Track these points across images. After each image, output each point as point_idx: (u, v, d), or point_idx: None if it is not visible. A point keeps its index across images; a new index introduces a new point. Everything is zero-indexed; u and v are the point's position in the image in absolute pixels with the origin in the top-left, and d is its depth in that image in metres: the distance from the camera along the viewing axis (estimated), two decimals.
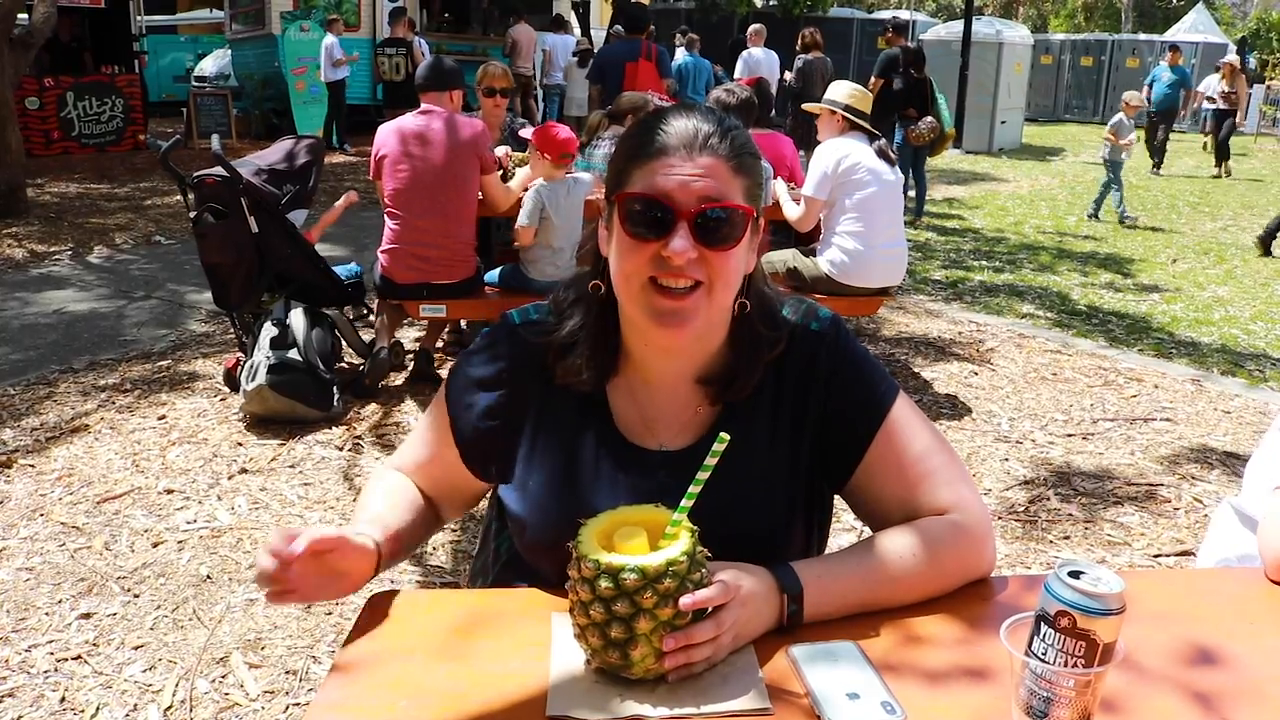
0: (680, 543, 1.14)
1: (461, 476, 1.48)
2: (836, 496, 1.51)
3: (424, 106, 4.82)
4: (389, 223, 4.81)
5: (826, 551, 1.59)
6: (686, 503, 1.16)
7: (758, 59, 12.63)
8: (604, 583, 1.10)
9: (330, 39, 13.58)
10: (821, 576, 1.27)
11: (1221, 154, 15.57)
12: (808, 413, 1.42)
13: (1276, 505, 1.48)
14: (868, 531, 1.45)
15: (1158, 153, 15.53)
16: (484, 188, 4.86)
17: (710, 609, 1.15)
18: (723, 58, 15.10)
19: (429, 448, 1.50)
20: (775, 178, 5.33)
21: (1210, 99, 16.24)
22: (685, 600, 1.11)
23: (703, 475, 1.16)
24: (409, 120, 4.80)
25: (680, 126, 1.28)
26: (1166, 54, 16.00)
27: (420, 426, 1.53)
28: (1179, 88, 15.22)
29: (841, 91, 5.13)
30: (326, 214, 5.37)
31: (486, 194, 4.89)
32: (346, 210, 5.42)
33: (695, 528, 1.16)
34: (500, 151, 5.27)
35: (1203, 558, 1.85)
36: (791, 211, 5.06)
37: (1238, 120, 15.56)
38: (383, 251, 4.84)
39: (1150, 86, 15.44)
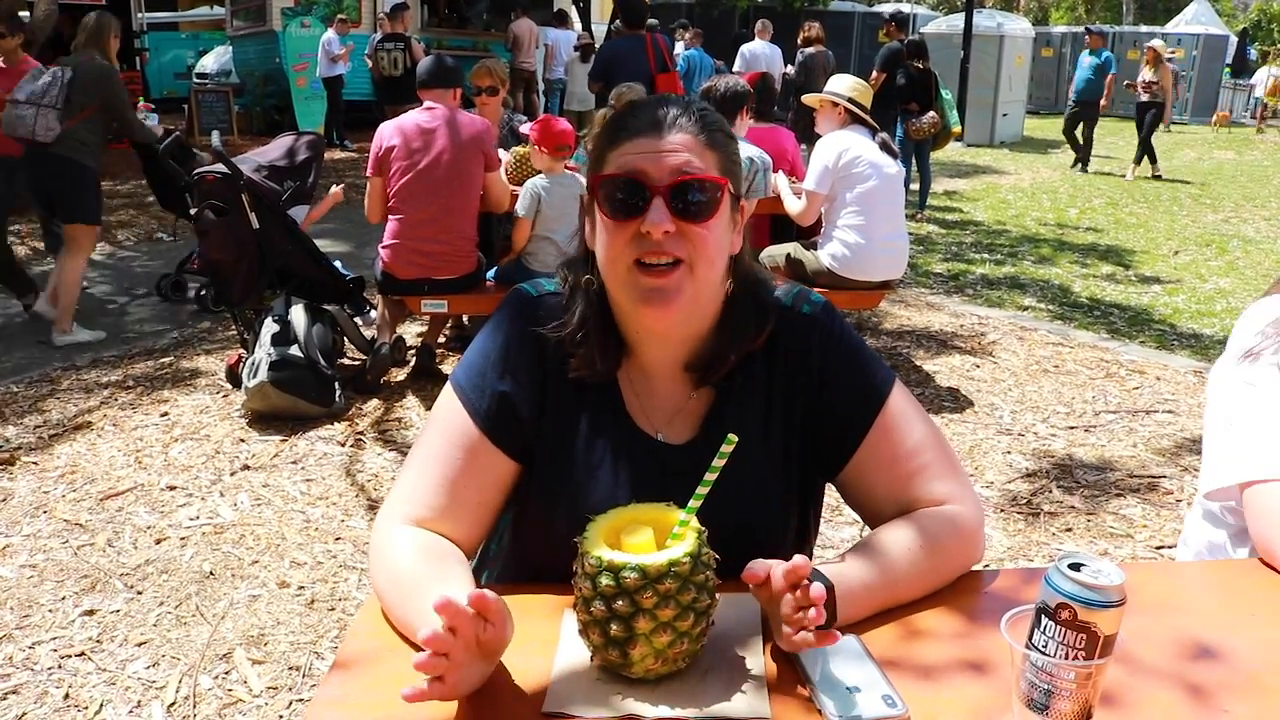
0: (685, 543, 1.13)
1: (490, 471, 1.39)
2: (831, 487, 1.51)
3: (427, 104, 4.82)
4: (391, 218, 4.81)
5: (819, 540, 1.60)
6: (694, 503, 1.15)
7: (755, 53, 12.60)
8: (605, 579, 1.10)
9: (329, 35, 13.55)
10: (844, 576, 1.26)
11: (1144, 151, 13.75)
12: (801, 401, 1.42)
13: (1267, 501, 1.48)
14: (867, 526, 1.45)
15: (1083, 148, 14.28)
16: (487, 185, 4.86)
17: (712, 621, 1.15)
18: (724, 53, 15.08)
19: (445, 456, 1.38)
20: (776, 171, 5.33)
21: (1130, 86, 14.25)
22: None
23: (710, 476, 1.15)
24: (413, 117, 4.80)
25: (651, 110, 1.33)
26: (1086, 39, 14.82)
27: (425, 448, 1.40)
28: (1102, 75, 13.83)
29: (843, 85, 5.13)
30: (313, 209, 5.34)
31: (490, 191, 4.89)
32: (337, 207, 5.43)
33: (703, 529, 1.16)
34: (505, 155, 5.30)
35: (1180, 553, 1.86)
36: (793, 205, 5.06)
37: (1166, 115, 13.88)
38: (384, 247, 4.84)
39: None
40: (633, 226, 1.28)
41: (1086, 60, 13.94)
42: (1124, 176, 13.73)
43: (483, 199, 4.89)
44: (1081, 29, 27.04)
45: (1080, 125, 14.08)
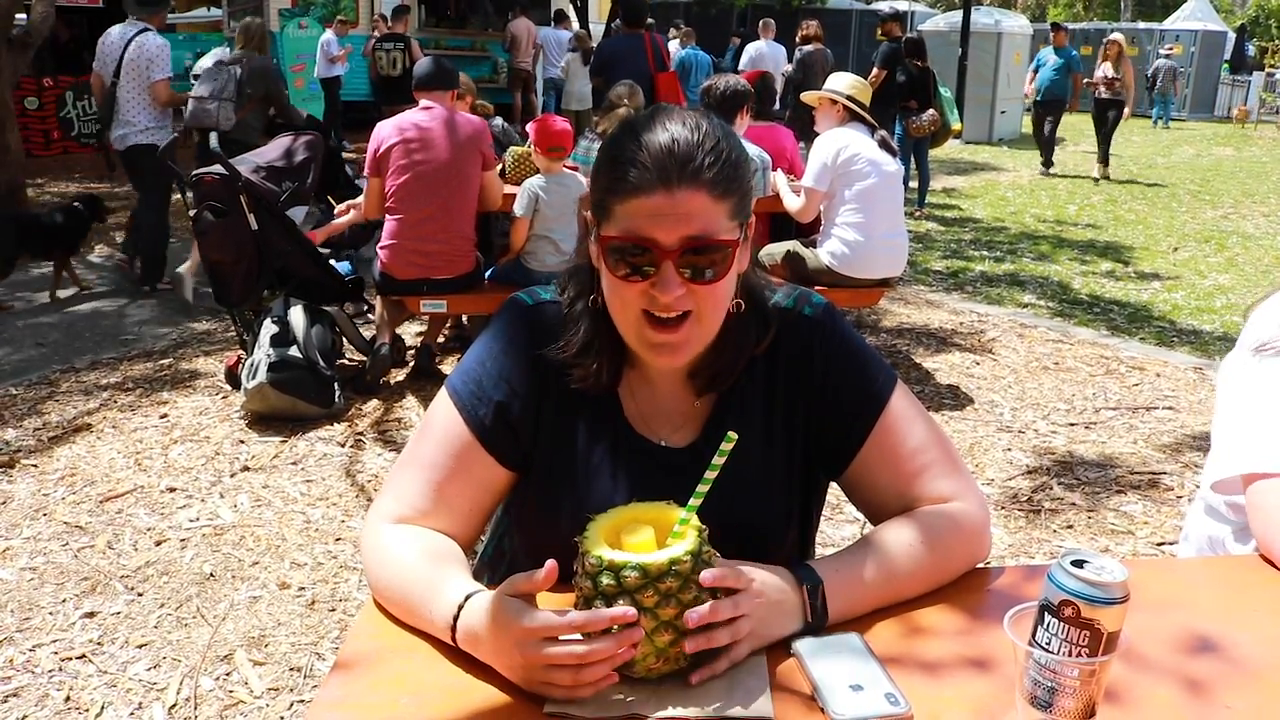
0: (685, 542, 1.13)
1: (482, 477, 1.39)
2: (833, 485, 1.51)
3: (424, 103, 4.82)
4: (388, 218, 4.80)
5: (819, 538, 1.59)
6: (694, 502, 1.15)
7: (760, 52, 12.61)
8: (605, 579, 1.10)
9: (327, 35, 13.53)
10: (840, 572, 1.26)
11: (1107, 149, 13.02)
12: (803, 402, 1.42)
13: (1269, 498, 1.48)
14: (868, 524, 1.45)
15: (1046, 148, 13.51)
16: (484, 184, 4.87)
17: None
18: (723, 52, 15.09)
19: (438, 462, 1.38)
20: (775, 169, 5.32)
21: (1091, 83, 12.92)
22: (705, 575, 1.11)
23: (710, 474, 1.15)
24: (411, 116, 4.80)
25: (658, 157, 1.22)
26: (1051, 35, 13.49)
27: (416, 452, 1.41)
28: (1066, 73, 12.78)
29: (842, 83, 5.14)
30: (331, 225, 5.35)
31: (485, 191, 4.91)
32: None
33: (704, 527, 1.15)
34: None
35: (1181, 549, 1.86)
36: (792, 203, 5.06)
37: (1125, 113, 12.68)
38: (382, 247, 4.83)
39: (1035, 72, 13.34)
40: (641, 287, 1.25)
41: (1051, 58, 12.95)
42: (1094, 180, 13.03)
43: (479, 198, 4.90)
44: (1080, 26, 26.95)
45: (1045, 124, 13.28)
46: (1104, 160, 13.04)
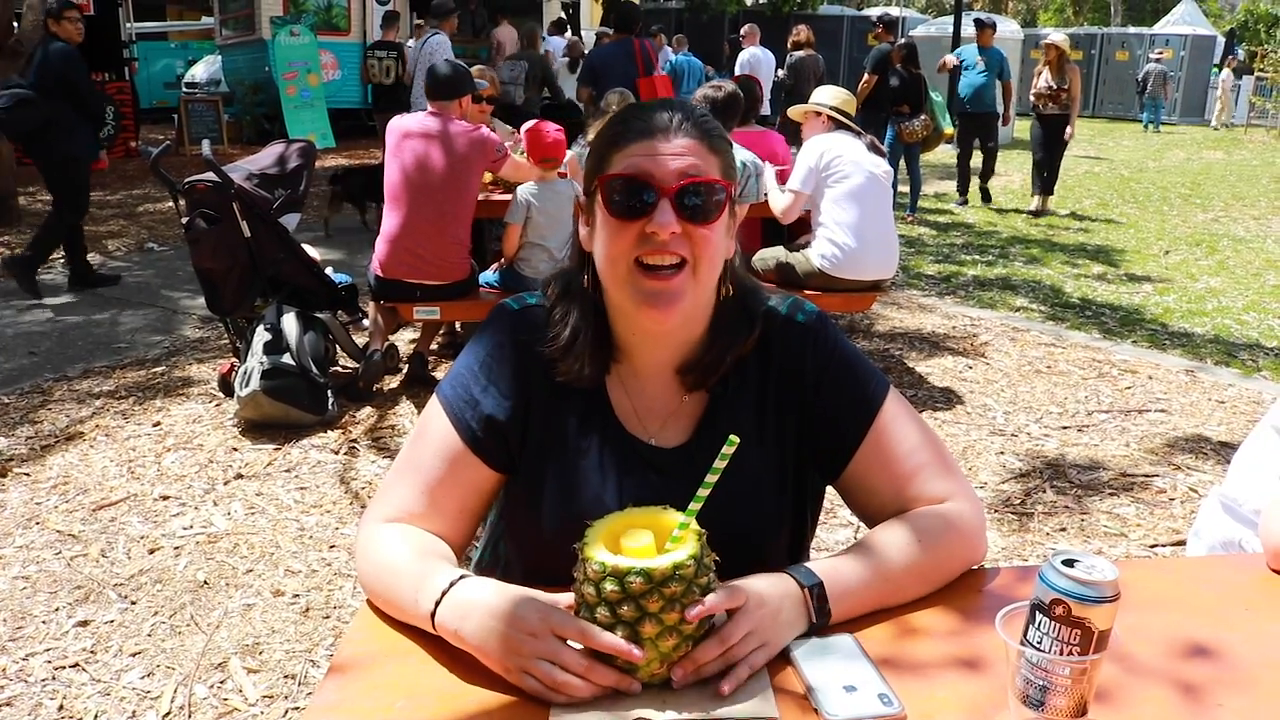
0: (687, 546, 1.13)
1: (472, 481, 1.40)
2: (828, 489, 1.52)
3: (430, 109, 4.85)
4: (386, 215, 4.82)
5: (814, 543, 1.60)
6: (695, 505, 1.15)
7: (755, 58, 12.67)
8: (609, 585, 1.09)
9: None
10: (837, 573, 1.27)
11: (1049, 177, 10.50)
12: (795, 409, 1.42)
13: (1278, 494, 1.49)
14: (864, 527, 1.45)
15: (984, 170, 11.11)
16: (505, 172, 5.01)
17: (714, 624, 1.15)
18: (714, 58, 15.09)
19: (430, 467, 1.40)
20: (768, 162, 5.37)
21: (1040, 97, 10.22)
22: (691, 612, 1.10)
23: (711, 478, 1.15)
24: (418, 118, 4.83)
25: (654, 113, 1.34)
26: (976, 33, 10.86)
27: (409, 456, 1.43)
28: (996, 78, 10.57)
29: (826, 95, 5.25)
30: None
31: (509, 176, 5.03)
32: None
33: (704, 531, 1.15)
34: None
35: (1191, 546, 1.87)
36: (777, 201, 5.09)
37: (1069, 131, 10.18)
38: (377, 244, 4.84)
39: (955, 69, 10.93)
40: (637, 226, 1.29)
41: (977, 60, 10.57)
42: (1032, 213, 10.67)
43: (485, 204, 4.93)
44: (1071, 31, 26.89)
45: (976, 142, 10.91)
46: (1049, 189, 10.64)
